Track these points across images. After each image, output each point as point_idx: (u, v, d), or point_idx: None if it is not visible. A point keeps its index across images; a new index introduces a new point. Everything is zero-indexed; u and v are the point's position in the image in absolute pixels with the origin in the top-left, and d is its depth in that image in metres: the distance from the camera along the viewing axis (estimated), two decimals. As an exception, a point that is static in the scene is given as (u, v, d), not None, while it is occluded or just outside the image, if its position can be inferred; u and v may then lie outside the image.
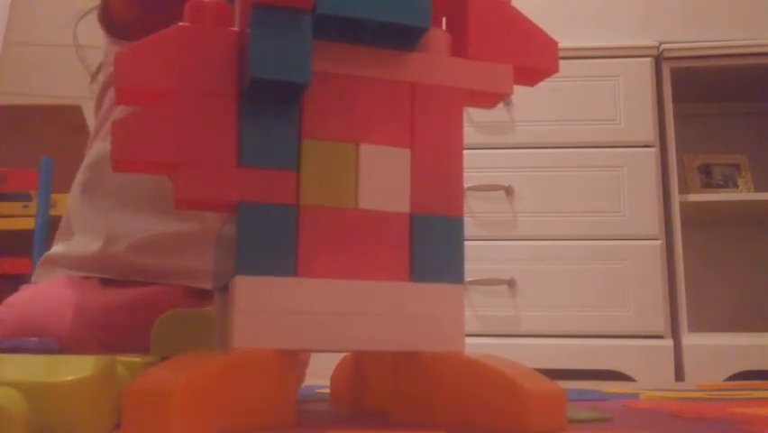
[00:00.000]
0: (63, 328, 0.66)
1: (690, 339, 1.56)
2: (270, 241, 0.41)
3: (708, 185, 1.86)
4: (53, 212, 1.48)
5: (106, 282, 0.74)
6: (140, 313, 0.70)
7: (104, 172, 0.78)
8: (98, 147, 0.79)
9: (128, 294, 0.73)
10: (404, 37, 0.44)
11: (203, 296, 0.74)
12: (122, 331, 0.69)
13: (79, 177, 0.81)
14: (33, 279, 0.79)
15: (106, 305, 0.71)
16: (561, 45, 0.49)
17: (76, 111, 1.66)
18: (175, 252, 0.75)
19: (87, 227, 0.77)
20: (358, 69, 0.44)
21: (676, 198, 1.63)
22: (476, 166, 1.59)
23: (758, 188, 1.83)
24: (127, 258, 0.74)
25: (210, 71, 0.42)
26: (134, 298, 0.73)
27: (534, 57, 0.48)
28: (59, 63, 0.89)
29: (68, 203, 0.81)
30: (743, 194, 1.83)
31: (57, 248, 0.79)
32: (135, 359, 0.47)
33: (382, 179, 0.44)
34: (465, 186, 0.43)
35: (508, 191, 1.62)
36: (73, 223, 0.80)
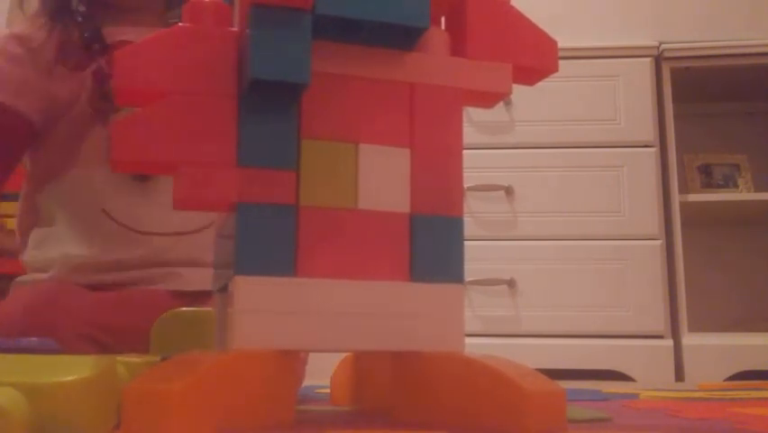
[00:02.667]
0: (49, 326, 0.65)
1: (690, 339, 1.56)
2: (270, 241, 0.41)
3: (708, 185, 1.86)
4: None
5: (93, 286, 0.74)
6: (132, 312, 0.70)
7: (48, 227, 0.79)
8: (41, 202, 0.80)
9: (117, 295, 0.73)
10: (403, 37, 0.44)
11: (195, 297, 0.74)
12: (113, 329, 0.69)
13: (32, 235, 0.81)
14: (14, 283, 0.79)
15: (95, 302, 0.71)
16: (561, 45, 0.49)
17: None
18: (117, 273, 0.76)
19: (38, 262, 0.78)
20: (357, 69, 0.44)
21: (676, 198, 1.62)
22: (476, 166, 1.58)
23: (758, 188, 1.83)
24: (72, 279, 0.75)
25: (210, 71, 0.42)
26: (126, 297, 0.73)
27: (534, 56, 0.48)
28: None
29: (24, 255, 0.81)
30: (743, 194, 1.83)
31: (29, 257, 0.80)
32: (136, 359, 0.47)
33: (382, 179, 0.44)
34: (465, 186, 0.43)
35: (508, 191, 1.62)
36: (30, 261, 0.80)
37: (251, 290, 0.40)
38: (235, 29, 0.43)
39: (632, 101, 1.66)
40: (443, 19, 0.48)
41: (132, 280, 0.75)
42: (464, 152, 0.46)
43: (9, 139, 0.74)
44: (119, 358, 0.45)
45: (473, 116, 1.62)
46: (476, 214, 1.61)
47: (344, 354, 0.57)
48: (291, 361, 0.42)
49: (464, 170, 0.46)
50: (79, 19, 0.79)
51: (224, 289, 0.44)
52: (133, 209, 0.76)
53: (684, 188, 1.75)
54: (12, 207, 1.71)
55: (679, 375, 1.54)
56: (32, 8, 0.83)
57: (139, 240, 0.76)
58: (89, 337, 0.68)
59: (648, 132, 1.64)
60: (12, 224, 1.68)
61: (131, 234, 0.76)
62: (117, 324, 0.69)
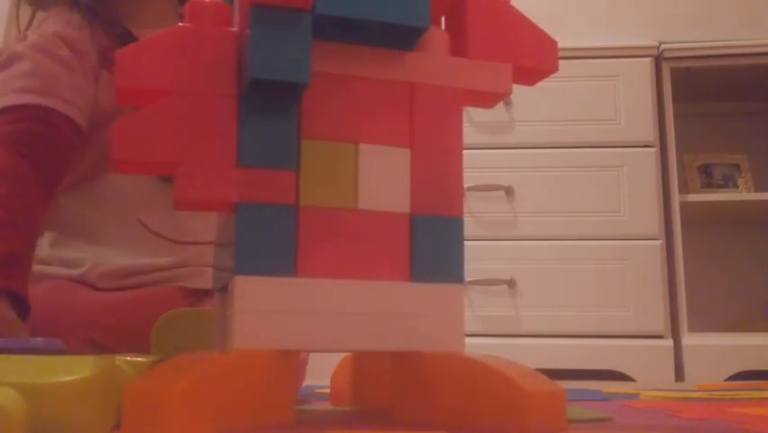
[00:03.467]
0: (50, 328, 0.65)
1: (690, 339, 1.56)
2: (270, 241, 0.41)
3: (708, 185, 1.86)
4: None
5: (120, 287, 0.74)
6: (131, 313, 0.69)
7: (74, 229, 0.77)
8: (66, 204, 0.77)
9: (117, 296, 0.73)
10: (403, 37, 0.44)
11: (197, 296, 0.74)
12: (112, 331, 0.68)
13: (48, 234, 0.78)
14: None
15: (94, 305, 0.70)
16: (561, 45, 0.49)
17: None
18: (148, 279, 0.75)
19: (64, 260, 0.76)
20: (357, 68, 0.44)
21: (676, 198, 1.62)
22: (476, 166, 1.58)
23: (758, 188, 1.83)
24: (101, 284, 0.74)
25: (210, 71, 0.42)
26: (125, 298, 0.72)
27: (534, 56, 0.48)
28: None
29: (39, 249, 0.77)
30: (743, 194, 1.82)
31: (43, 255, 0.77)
32: (142, 359, 0.47)
33: (382, 179, 0.44)
34: (465, 186, 0.43)
35: (508, 191, 1.62)
36: (46, 256, 0.78)
37: (251, 290, 0.40)
38: (235, 29, 0.43)
39: (632, 101, 1.66)
40: (443, 19, 0.49)
41: (158, 280, 0.75)
42: (464, 152, 0.46)
43: (64, 147, 0.70)
44: (127, 359, 0.45)
45: (473, 116, 1.62)
46: (476, 214, 1.61)
47: (344, 354, 0.57)
48: (291, 361, 0.42)
49: (464, 170, 0.46)
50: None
51: (224, 288, 0.44)
52: (167, 218, 0.75)
53: (684, 188, 1.75)
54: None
55: (679, 375, 1.54)
56: (27, 18, 0.82)
57: (173, 248, 0.76)
58: (89, 340, 0.68)
59: (648, 132, 1.64)
60: None
61: (164, 243, 0.75)
62: (119, 324, 0.69)
